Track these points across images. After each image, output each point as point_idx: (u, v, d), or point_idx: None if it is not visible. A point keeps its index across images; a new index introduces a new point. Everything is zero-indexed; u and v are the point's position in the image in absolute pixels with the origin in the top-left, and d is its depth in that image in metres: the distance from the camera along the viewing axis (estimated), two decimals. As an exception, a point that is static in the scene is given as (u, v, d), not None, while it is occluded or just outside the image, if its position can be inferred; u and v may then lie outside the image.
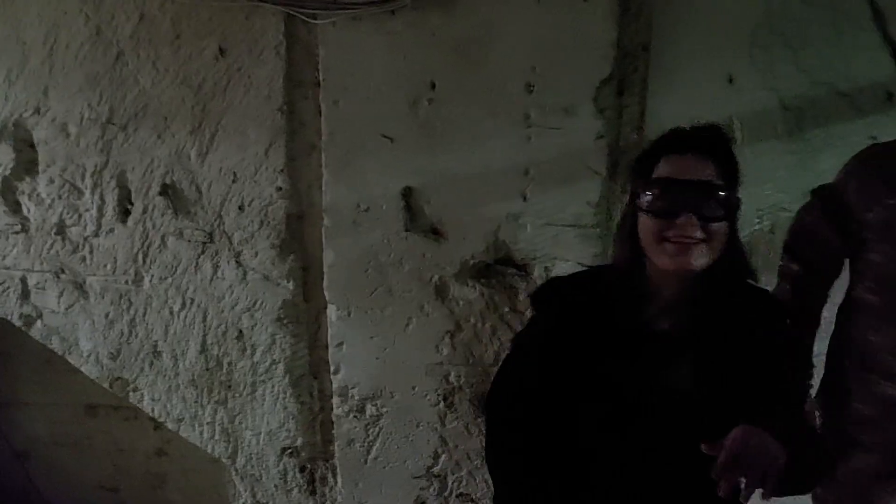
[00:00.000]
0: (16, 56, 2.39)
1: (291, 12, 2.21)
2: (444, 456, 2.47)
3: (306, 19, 2.21)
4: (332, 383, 2.47)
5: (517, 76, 2.18)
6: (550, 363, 1.35)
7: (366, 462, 2.52)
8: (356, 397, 2.45)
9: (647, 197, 1.26)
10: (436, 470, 2.48)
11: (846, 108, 2.18)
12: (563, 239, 2.26)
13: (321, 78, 2.26)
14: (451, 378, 2.39)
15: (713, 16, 2.15)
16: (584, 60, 2.16)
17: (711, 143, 1.30)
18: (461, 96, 2.21)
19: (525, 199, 2.24)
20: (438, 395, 2.40)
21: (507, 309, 2.31)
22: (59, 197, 2.49)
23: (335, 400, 2.48)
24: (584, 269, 1.57)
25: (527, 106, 2.20)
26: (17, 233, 2.54)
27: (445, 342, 2.36)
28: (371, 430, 2.48)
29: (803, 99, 2.16)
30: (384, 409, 2.45)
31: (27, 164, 2.49)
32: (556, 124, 2.19)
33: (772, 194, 2.20)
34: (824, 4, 2.11)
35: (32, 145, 2.47)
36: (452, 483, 2.49)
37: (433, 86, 2.22)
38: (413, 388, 2.42)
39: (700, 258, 1.24)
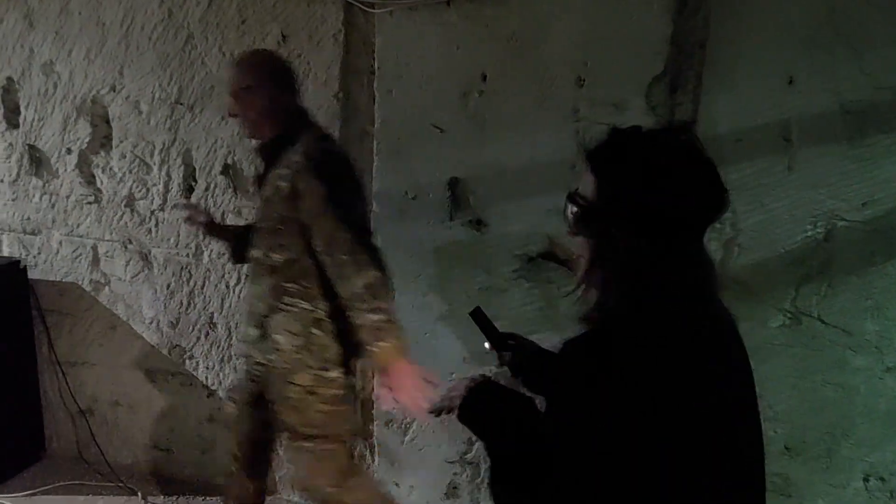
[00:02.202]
0: (95, 36, 2.55)
1: (351, 1, 2.28)
2: (477, 443, 2.50)
3: (364, 8, 2.28)
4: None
5: (568, 70, 2.19)
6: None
7: (402, 443, 2.58)
8: (396, 379, 2.51)
9: None
10: (469, 457, 2.52)
11: (911, 115, 2.10)
12: (607, 235, 2.25)
13: (376, 66, 2.32)
14: (487, 367, 2.42)
15: (773, 15, 2.09)
16: (637, 56, 2.14)
17: (601, 150, 1.11)
18: (512, 89, 2.23)
19: (571, 193, 2.24)
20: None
21: (543, 303, 2.32)
22: (130, 171, 2.64)
23: (376, 380, 2.55)
24: None
25: (576, 100, 2.19)
26: (90, 203, 2.71)
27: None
28: (408, 414, 2.53)
29: (865, 103, 2.07)
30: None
31: (102, 139, 2.65)
32: (606, 119, 2.18)
33: (826, 200, 2.13)
34: (890, 6, 2.02)
35: (108, 121, 2.63)
36: (485, 471, 2.53)
37: (484, 78, 2.25)
38: (451, 374, 2.46)
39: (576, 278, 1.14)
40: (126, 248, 2.72)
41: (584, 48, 2.17)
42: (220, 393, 2.74)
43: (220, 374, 2.73)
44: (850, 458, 2.23)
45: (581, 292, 1.14)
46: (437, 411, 1.46)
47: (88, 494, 2.79)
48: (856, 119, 2.09)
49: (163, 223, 2.65)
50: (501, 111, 2.25)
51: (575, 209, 1.10)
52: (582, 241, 1.11)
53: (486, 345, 1.59)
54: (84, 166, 2.69)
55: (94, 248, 2.75)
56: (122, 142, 2.61)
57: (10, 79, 2.68)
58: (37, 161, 2.74)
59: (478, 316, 1.58)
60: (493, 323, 1.59)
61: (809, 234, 2.16)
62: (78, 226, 2.75)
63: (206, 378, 2.75)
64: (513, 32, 2.20)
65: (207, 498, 2.80)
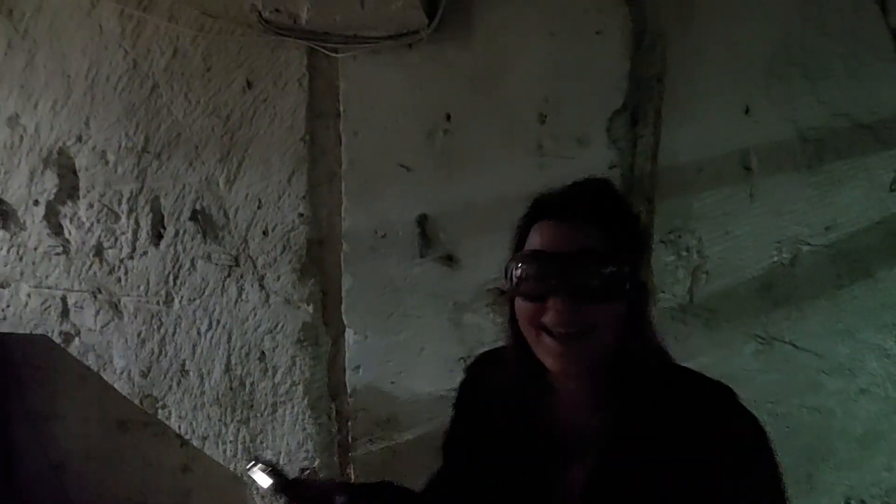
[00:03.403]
0: (61, 88, 2.55)
1: (314, 46, 2.30)
2: None
3: (328, 53, 2.30)
4: (349, 406, 2.52)
5: (530, 107, 2.22)
6: (457, 443, 1.26)
7: (382, 486, 2.54)
8: (372, 421, 2.49)
9: (516, 273, 1.03)
10: None
11: (869, 140, 2.13)
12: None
13: (342, 109, 2.34)
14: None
15: (729, 47, 2.14)
16: (597, 91, 2.18)
17: (595, 204, 1.01)
18: (476, 127, 2.26)
19: (538, 227, 2.26)
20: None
21: (519, 337, 2.32)
22: (98, 221, 2.62)
23: (352, 423, 2.53)
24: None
25: (540, 136, 2.22)
26: (58, 254, 2.69)
27: (459, 369, 2.37)
28: (386, 455, 2.51)
29: (823, 131, 2.12)
30: (400, 434, 2.48)
31: (69, 189, 2.64)
32: (569, 154, 2.21)
33: (790, 226, 2.16)
34: (844, 35, 2.08)
35: (75, 171, 2.62)
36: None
37: (448, 117, 2.27)
38: (428, 414, 2.44)
39: (589, 354, 0.99)
40: (95, 297, 2.69)
41: (544, 85, 2.20)
42: (194, 441, 2.70)
43: (194, 423, 2.68)
44: (831, 482, 2.23)
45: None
46: None
47: (61, 552, 2.72)
48: (814, 146, 2.13)
49: (132, 271, 2.63)
50: (467, 149, 2.27)
51: (607, 271, 0.96)
52: (605, 308, 0.97)
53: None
54: (52, 217, 2.67)
55: (64, 298, 2.72)
56: (89, 191, 2.61)
57: (-26, 133, 2.67)
58: (3, 214, 2.72)
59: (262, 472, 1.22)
60: (286, 476, 1.23)
61: (776, 259, 2.19)
62: (46, 277, 2.73)
63: (179, 427, 2.70)
64: (475, 72, 2.24)
65: (183, 551, 2.73)
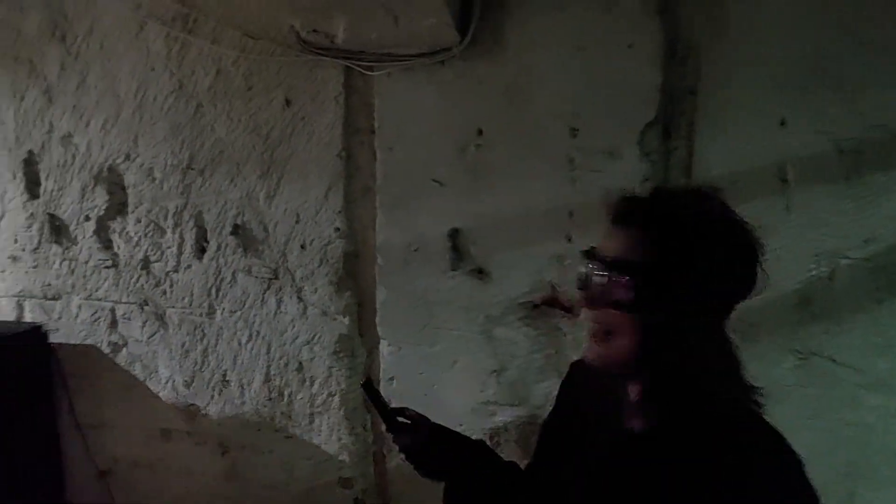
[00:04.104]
0: (111, 108, 2.66)
1: (350, 65, 2.36)
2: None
3: (363, 71, 2.36)
4: (384, 417, 2.55)
5: (561, 121, 2.23)
6: (546, 433, 1.33)
7: (418, 498, 2.57)
8: (406, 432, 2.52)
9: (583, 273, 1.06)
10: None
11: (908, 150, 2.10)
12: (608, 281, 2.26)
13: (376, 125, 2.39)
14: (497, 418, 2.42)
15: (764, 58, 2.12)
16: (629, 104, 2.18)
17: (644, 215, 1.01)
18: (507, 141, 2.28)
19: (570, 240, 2.27)
20: (484, 434, 2.43)
21: (553, 350, 2.33)
22: (145, 235, 2.72)
23: (387, 434, 2.55)
24: None
25: (570, 149, 2.24)
26: (108, 267, 2.79)
27: (491, 382, 2.40)
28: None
29: (860, 142, 2.08)
30: (433, 445, 2.50)
31: (118, 205, 2.75)
32: (600, 167, 2.22)
33: (827, 239, 2.12)
34: (880, 46, 2.05)
35: (123, 188, 2.73)
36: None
37: (480, 132, 2.30)
38: (460, 426, 2.46)
39: (595, 355, 1.04)
40: (142, 309, 2.79)
41: (576, 99, 2.22)
42: (235, 450, 2.76)
43: (234, 432, 2.75)
44: (870, 500, 2.18)
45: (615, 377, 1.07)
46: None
47: (108, 556, 2.81)
48: (851, 158, 2.10)
49: (177, 284, 2.72)
50: (498, 163, 2.30)
51: (628, 278, 0.97)
52: (621, 316, 0.99)
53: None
54: (102, 232, 2.78)
55: (112, 310, 2.83)
56: (137, 207, 2.71)
57: (30, 152, 2.80)
58: (56, 229, 2.84)
59: (368, 389, 1.44)
60: (382, 397, 1.45)
61: (814, 272, 2.15)
62: (96, 290, 2.83)
63: (221, 436, 2.77)
64: (506, 87, 2.26)
65: (225, 558, 2.80)
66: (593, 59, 2.19)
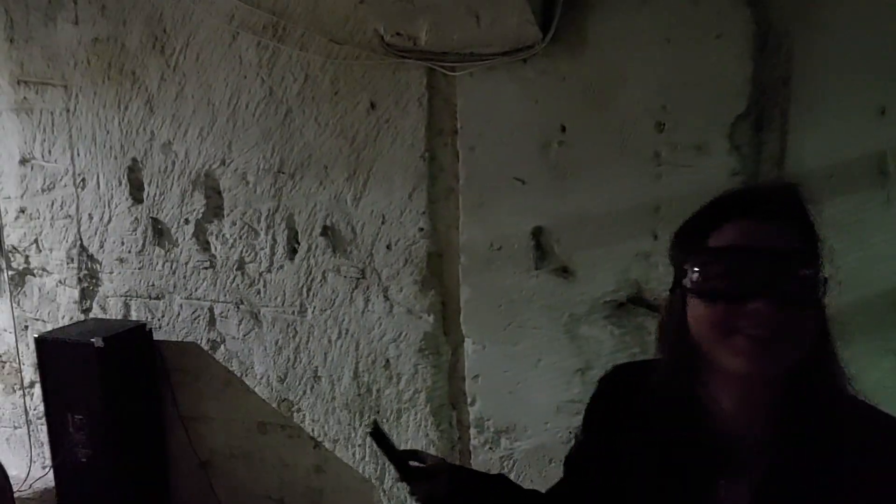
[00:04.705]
0: (206, 116, 2.79)
1: (432, 66, 2.39)
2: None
3: (446, 72, 2.38)
4: (469, 414, 2.58)
5: (647, 116, 2.19)
6: (588, 457, 1.19)
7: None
8: (491, 429, 2.54)
9: (701, 274, 0.96)
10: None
11: None
12: (696, 278, 2.21)
13: (459, 126, 2.42)
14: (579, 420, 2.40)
15: (861, 44, 2.02)
16: (718, 97, 2.13)
17: (788, 205, 0.98)
18: (590, 138, 2.26)
19: (656, 237, 2.23)
20: (570, 432, 2.41)
21: (637, 349, 2.29)
22: (240, 237, 2.84)
23: (472, 431, 2.59)
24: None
25: (657, 144, 2.20)
26: (206, 268, 2.93)
27: (576, 380, 2.38)
28: (506, 463, 2.55)
29: (968, 130, 1.97)
30: (518, 444, 2.51)
31: (215, 208, 2.88)
32: (688, 162, 2.17)
33: (932, 233, 2.02)
34: None
35: (219, 192, 2.85)
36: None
37: (563, 129, 2.29)
38: (546, 423, 2.46)
39: (782, 359, 0.92)
40: (238, 308, 2.91)
41: (662, 93, 2.17)
42: (326, 444, 2.85)
43: (325, 426, 2.84)
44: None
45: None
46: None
47: (209, 543, 2.95)
48: (958, 147, 1.98)
49: (270, 283, 2.83)
50: (581, 160, 2.28)
51: (808, 274, 0.93)
52: (804, 311, 0.93)
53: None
54: (200, 234, 2.92)
55: (211, 309, 2.97)
56: (232, 210, 2.83)
57: (134, 159, 2.97)
58: (159, 232, 3.01)
59: (376, 435, 1.27)
60: (390, 440, 1.27)
61: (914, 274, 2.05)
62: (196, 289, 2.98)
63: (313, 430, 2.87)
64: (589, 83, 2.24)
65: (317, 547, 2.89)
66: (680, 52, 2.14)
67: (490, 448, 2.55)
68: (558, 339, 2.38)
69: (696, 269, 0.96)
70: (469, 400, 2.56)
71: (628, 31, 2.19)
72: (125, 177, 3.00)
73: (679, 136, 2.18)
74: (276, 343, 2.87)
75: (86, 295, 3.22)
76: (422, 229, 2.52)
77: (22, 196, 3.25)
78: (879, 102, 2.03)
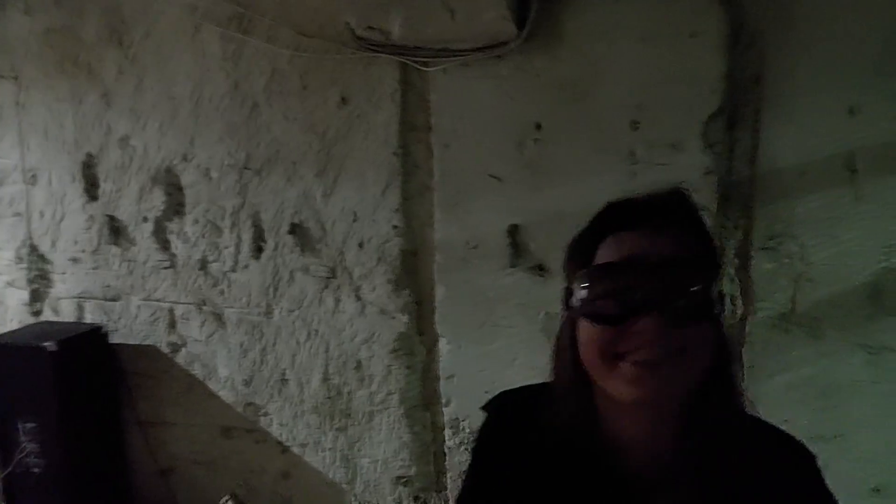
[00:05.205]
0: (167, 110, 2.69)
1: (405, 61, 2.35)
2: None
3: (419, 67, 2.35)
4: (443, 415, 2.55)
5: (622, 114, 2.20)
6: (484, 496, 1.05)
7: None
8: (467, 430, 2.51)
9: (583, 292, 0.87)
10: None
11: (984, 137, 2.03)
12: (672, 276, 2.23)
13: (433, 122, 2.38)
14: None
15: (832, 45, 2.07)
16: (692, 95, 2.15)
17: (677, 213, 0.89)
18: (566, 135, 2.25)
19: (632, 235, 2.23)
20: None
21: (614, 346, 2.29)
22: (203, 236, 2.75)
23: (447, 432, 2.55)
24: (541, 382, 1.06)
25: (632, 143, 2.20)
26: (166, 268, 2.82)
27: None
28: (466, 463, 2.52)
29: (934, 129, 2.03)
30: (493, 443, 2.48)
31: (176, 205, 2.78)
32: (663, 160, 2.18)
33: (900, 230, 2.07)
34: (956, 28, 1.98)
35: (181, 189, 2.75)
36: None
37: (538, 126, 2.28)
38: (521, 422, 2.44)
39: (675, 383, 0.84)
40: (201, 309, 2.81)
41: (637, 91, 2.18)
42: (294, 449, 2.78)
43: (294, 430, 2.77)
44: (950, 498, 2.12)
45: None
46: None
47: (171, 553, 2.85)
48: (925, 145, 2.04)
49: (234, 284, 2.74)
50: (557, 158, 2.27)
51: (699, 285, 0.83)
52: (700, 327, 0.84)
53: None
54: (159, 233, 2.81)
55: (171, 311, 2.86)
56: (194, 208, 2.73)
57: (89, 154, 2.84)
58: (115, 230, 2.88)
59: None
60: None
61: (884, 264, 2.10)
62: (155, 290, 2.87)
63: (280, 434, 2.79)
64: (565, 80, 2.24)
65: (285, 554, 2.82)
66: (655, 50, 2.16)
67: (465, 449, 2.52)
68: (534, 338, 2.36)
69: (582, 287, 0.87)
70: (444, 401, 2.53)
71: (604, 29, 2.19)
72: (79, 173, 2.87)
73: (654, 134, 2.19)
74: (242, 345, 2.78)
75: (36, 297, 3.06)
76: (395, 227, 2.47)
77: (-34, 194, 3.09)
78: (849, 102, 2.08)
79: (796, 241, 2.16)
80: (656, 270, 0.82)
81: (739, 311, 2.22)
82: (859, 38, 2.04)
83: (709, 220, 0.92)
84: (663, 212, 0.88)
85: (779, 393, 2.19)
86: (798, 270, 2.17)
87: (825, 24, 2.06)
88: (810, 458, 0.92)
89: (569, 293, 0.90)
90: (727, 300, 2.22)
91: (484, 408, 1.11)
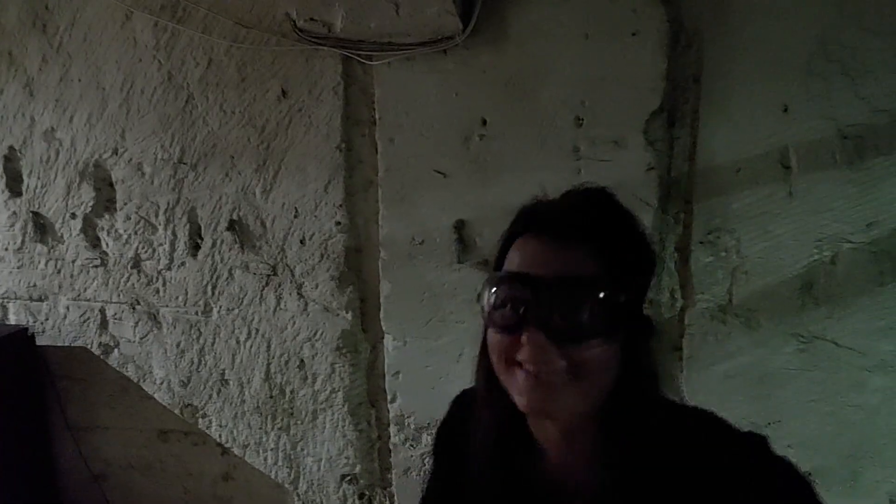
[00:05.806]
0: (96, 101, 2.57)
1: (348, 54, 2.31)
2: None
3: (362, 61, 2.31)
4: (389, 412, 2.53)
5: (566, 110, 2.21)
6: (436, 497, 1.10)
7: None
8: (412, 426, 2.50)
9: (490, 297, 0.87)
10: None
11: (910, 135, 2.13)
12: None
13: (377, 116, 2.35)
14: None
15: (766, 45, 2.13)
16: (634, 93, 2.17)
17: (591, 218, 0.85)
18: (511, 131, 2.26)
19: (576, 230, 2.25)
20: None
21: (559, 340, 2.32)
22: (135, 233, 2.64)
23: (392, 428, 2.54)
24: None
25: (576, 139, 2.22)
26: (96, 266, 2.71)
27: (499, 373, 2.38)
28: (427, 460, 2.51)
29: (863, 127, 2.11)
30: (440, 439, 2.48)
31: (106, 202, 2.66)
32: (606, 156, 2.21)
33: (830, 224, 2.15)
34: (883, 31, 2.06)
35: (111, 184, 2.64)
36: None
37: (484, 122, 2.27)
38: (468, 417, 2.44)
39: (568, 398, 0.82)
40: (134, 309, 2.71)
41: (580, 88, 2.20)
42: (235, 450, 2.71)
43: (234, 431, 2.70)
44: (876, 481, 2.22)
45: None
46: None
47: (105, 562, 2.74)
48: (854, 143, 2.12)
49: (170, 282, 2.65)
50: (502, 153, 2.27)
51: (600, 301, 0.79)
52: (601, 347, 0.81)
53: None
54: (89, 230, 2.69)
55: (102, 311, 2.75)
56: (126, 204, 2.62)
57: (11, 148, 2.69)
58: (41, 227, 2.74)
59: None
60: None
61: (816, 258, 2.18)
62: (85, 290, 2.75)
63: (220, 435, 2.72)
64: (510, 76, 2.23)
65: (226, 558, 2.75)
66: (598, 48, 2.17)
67: (411, 445, 2.51)
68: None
69: (490, 292, 0.87)
70: (389, 397, 2.51)
71: (548, 26, 2.20)
72: (1, 167, 2.71)
73: (597, 131, 2.21)
74: (178, 346, 2.69)
75: (-46, 298, 2.90)
76: (339, 223, 2.43)
77: None
78: (782, 100, 2.14)
79: (733, 236, 2.22)
80: (550, 286, 0.80)
81: (679, 304, 2.28)
82: (791, 39, 2.11)
83: (644, 222, 0.90)
84: (574, 218, 0.85)
85: (717, 382, 2.26)
86: (734, 263, 2.23)
87: (760, 25, 2.12)
88: (759, 443, 0.85)
89: (480, 297, 0.90)
90: (666, 296, 2.27)
91: (451, 402, 1.18)
